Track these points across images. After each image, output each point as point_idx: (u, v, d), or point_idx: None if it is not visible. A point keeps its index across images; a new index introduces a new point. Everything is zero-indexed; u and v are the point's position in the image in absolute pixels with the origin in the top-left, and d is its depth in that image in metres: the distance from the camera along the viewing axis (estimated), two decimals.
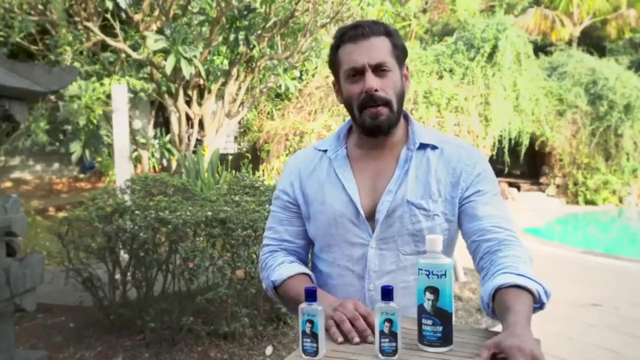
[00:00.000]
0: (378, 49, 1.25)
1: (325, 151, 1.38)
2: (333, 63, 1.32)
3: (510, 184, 13.20)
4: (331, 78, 1.39)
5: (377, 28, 1.26)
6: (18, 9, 6.37)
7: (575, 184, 12.89)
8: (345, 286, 1.31)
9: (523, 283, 1.06)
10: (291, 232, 1.39)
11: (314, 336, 1.00)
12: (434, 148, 1.31)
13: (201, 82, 8.88)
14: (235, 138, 12.58)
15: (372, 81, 1.23)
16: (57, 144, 7.12)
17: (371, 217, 1.28)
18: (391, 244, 1.27)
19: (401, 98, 1.29)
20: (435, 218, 1.26)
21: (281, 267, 1.33)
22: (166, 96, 7.71)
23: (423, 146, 1.31)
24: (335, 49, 1.30)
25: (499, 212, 1.24)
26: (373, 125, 1.26)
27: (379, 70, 1.24)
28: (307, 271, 1.33)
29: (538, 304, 1.08)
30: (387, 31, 1.28)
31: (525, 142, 12.04)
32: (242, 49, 7.23)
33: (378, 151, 1.33)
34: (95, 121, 6.17)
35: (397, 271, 1.27)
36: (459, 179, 1.28)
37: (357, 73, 1.25)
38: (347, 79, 1.28)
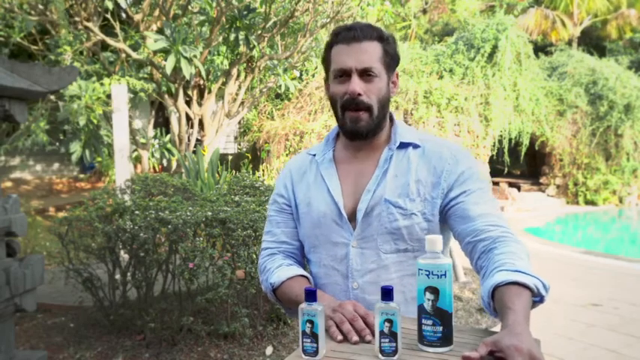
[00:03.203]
0: (367, 53, 1.26)
1: (315, 155, 1.41)
2: (325, 60, 1.35)
3: (510, 184, 13.19)
4: None
5: (370, 33, 1.28)
6: (18, 9, 6.37)
7: (576, 184, 12.88)
8: (332, 285, 1.33)
9: (521, 279, 1.06)
10: (288, 233, 1.41)
11: (314, 336, 1.00)
12: (416, 147, 1.33)
13: (201, 82, 8.88)
14: (235, 138, 12.57)
15: (356, 85, 1.26)
16: (57, 144, 7.11)
17: (353, 217, 1.31)
18: (371, 242, 1.29)
19: (384, 104, 1.31)
20: (412, 217, 1.27)
21: (279, 269, 1.35)
22: (166, 96, 7.71)
23: (404, 145, 1.33)
24: (328, 47, 1.33)
25: (490, 210, 1.25)
26: (353, 129, 1.29)
27: (366, 74, 1.26)
28: (305, 273, 1.34)
29: (538, 298, 1.08)
30: (381, 37, 1.29)
31: (525, 142, 12.04)
32: (242, 49, 7.23)
33: (363, 153, 1.35)
34: (95, 121, 6.17)
35: (378, 269, 1.29)
36: (439, 179, 1.28)
37: (344, 74, 1.28)
38: (334, 78, 1.31)
